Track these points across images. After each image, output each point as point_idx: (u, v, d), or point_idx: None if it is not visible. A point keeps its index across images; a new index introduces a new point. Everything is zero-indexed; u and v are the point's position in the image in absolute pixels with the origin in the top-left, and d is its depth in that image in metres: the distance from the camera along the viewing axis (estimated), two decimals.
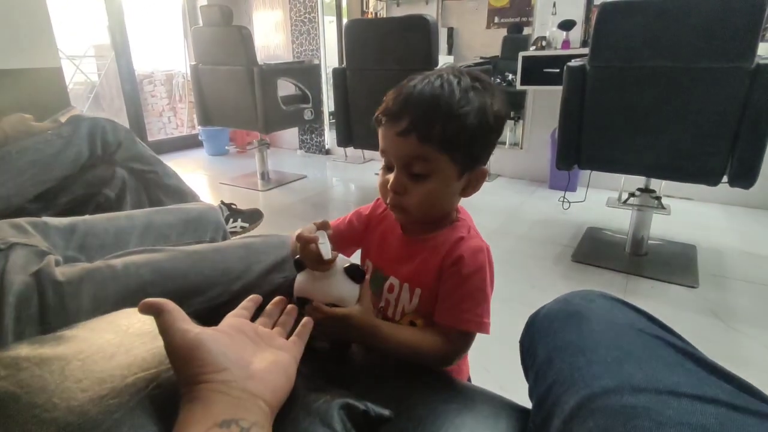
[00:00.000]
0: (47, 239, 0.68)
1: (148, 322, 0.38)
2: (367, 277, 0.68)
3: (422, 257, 0.61)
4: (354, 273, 0.55)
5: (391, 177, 0.56)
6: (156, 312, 0.38)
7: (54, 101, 2.03)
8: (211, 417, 0.33)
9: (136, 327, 0.45)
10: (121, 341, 0.42)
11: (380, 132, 0.57)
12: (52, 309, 0.53)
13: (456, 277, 0.58)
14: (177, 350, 0.36)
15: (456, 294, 0.58)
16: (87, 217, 0.78)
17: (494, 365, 1.01)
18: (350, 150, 3.57)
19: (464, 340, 0.59)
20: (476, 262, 0.58)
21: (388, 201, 0.59)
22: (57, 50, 2.17)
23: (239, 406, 0.34)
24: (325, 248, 0.52)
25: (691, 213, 2.31)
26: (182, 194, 1.45)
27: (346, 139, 2.44)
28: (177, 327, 0.37)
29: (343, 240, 0.69)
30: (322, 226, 0.55)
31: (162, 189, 1.40)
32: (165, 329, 0.37)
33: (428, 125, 0.52)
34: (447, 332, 0.58)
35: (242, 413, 0.34)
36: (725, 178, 1.45)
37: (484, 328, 0.58)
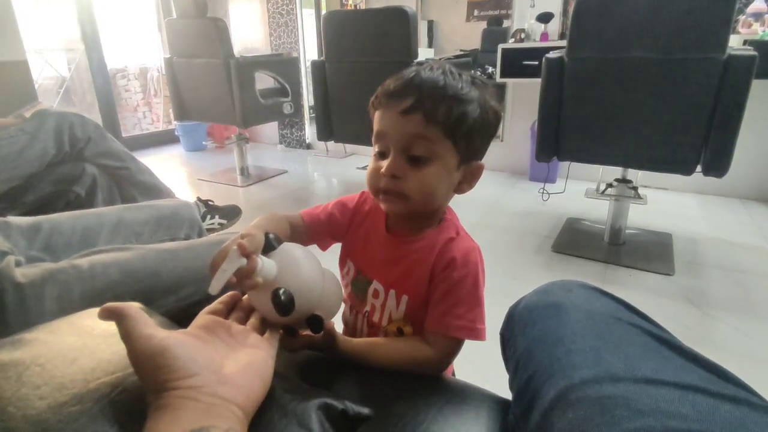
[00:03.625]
0: (9, 239, 0.65)
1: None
2: (345, 297, 0.66)
3: (409, 261, 0.58)
4: (276, 299, 0.44)
5: (385, 163, 0.53)
6: (117, 317, 0.35)
7: (20, 96, 1.96)
8: (180, 426, 0.31)
9: (101, 328, 0.42)
10: (84, 343, 0.40)
11: (377, 115, 0.55)
12: (12, 312, 0.51)
13: (448, 281, 0.55)
14: (141, 357, 0.34)
15: (448, 299, 0.55)
16: (52, 215, 0.75)
17: (477, 357, 1.01)
18: (332, 144, 3.54)
19: (454, 348, 0.56)
20: (468, 265, 0.55)
21: (381, 186, 0.54)
22: (22, 43, 2.09)
23: (210, 413, 0.33)
24: (220, 279, 0.41)
25: (666, 202, 2.36)
26: (156, 191, 1.42)
27: (326, 133, 2.41)
28: (140, 333, 0.34)
29: (319, 232, 0.64)
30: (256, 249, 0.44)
31: (135, 186, 1.36)
32: (127, 335, 0.35)
33: (435, 105, 0.51)
34: (437, 340, 0.55)
35: (214, 420, 0.32)
36: (699, 168, 1.49)
37: (478, 334, 0.55)
